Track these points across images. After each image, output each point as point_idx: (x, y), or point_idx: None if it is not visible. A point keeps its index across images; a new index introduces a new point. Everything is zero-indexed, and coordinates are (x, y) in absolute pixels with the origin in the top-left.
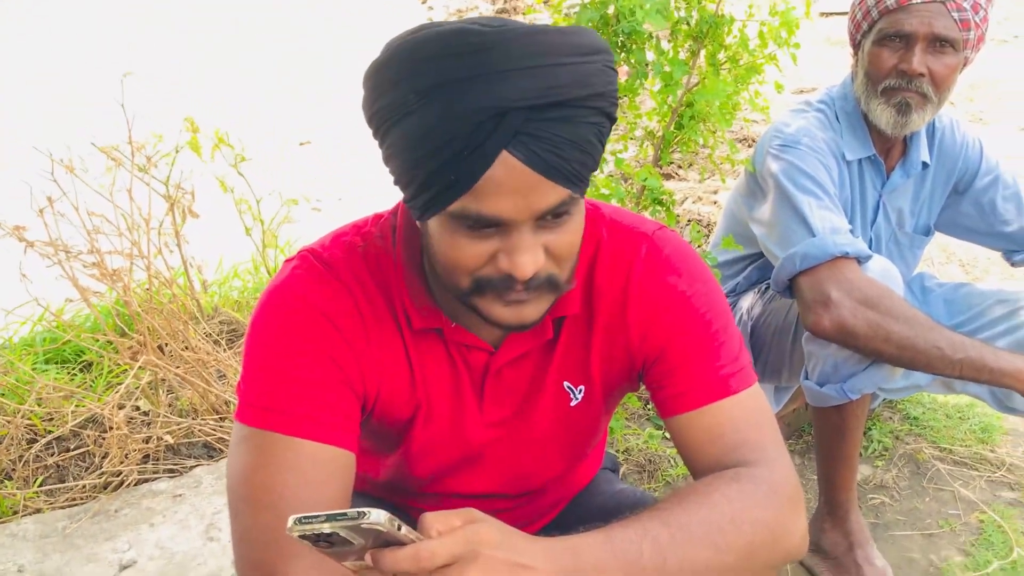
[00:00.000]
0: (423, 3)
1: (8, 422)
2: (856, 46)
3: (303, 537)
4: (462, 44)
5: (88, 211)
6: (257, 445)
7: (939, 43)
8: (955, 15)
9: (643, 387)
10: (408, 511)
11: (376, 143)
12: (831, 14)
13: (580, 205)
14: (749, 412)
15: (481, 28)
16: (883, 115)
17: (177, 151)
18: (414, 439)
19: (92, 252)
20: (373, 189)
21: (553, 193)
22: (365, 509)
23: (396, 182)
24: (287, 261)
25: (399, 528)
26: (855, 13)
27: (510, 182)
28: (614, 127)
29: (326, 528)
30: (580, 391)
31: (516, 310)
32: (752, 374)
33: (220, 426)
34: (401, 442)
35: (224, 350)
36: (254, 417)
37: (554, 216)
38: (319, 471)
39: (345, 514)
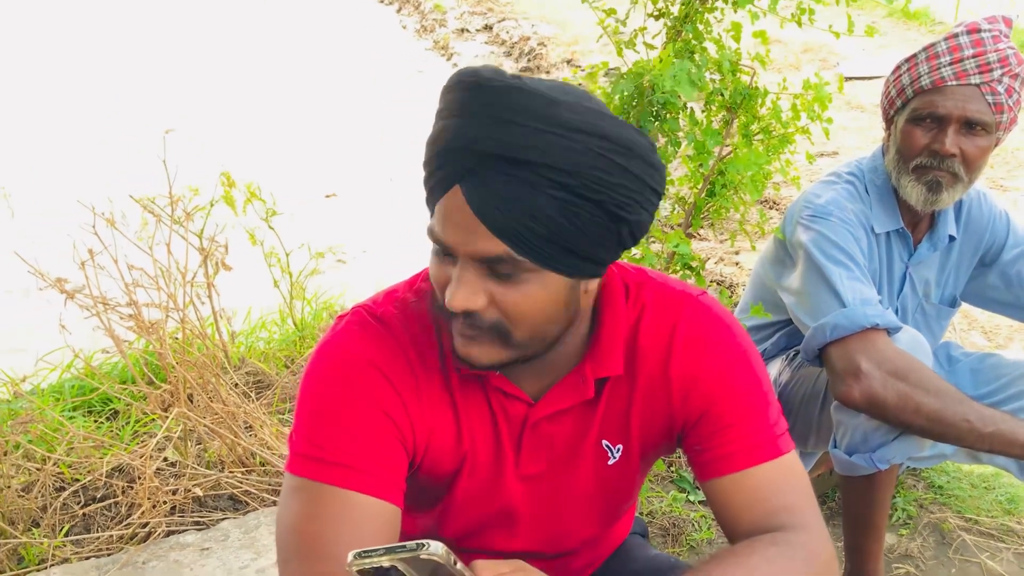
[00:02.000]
0: (448, 60)
1: (38, 469)
2: (889, 121)
3: (361, 572)
4: (464, 83)
5: (128, 264)
6: (308, 496)
7: (972, 125)
8: (989, 98)
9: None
10: None
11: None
12: (853, 79)
13: (539, 273)
14: (789, 476)
15: (488, 75)
16: (914, 192)
17: (212, 204)
18: (458, 491)
19: (130, 304)
20: (396, 241)
21: (490, 242)
22: (424, 541)
23: None
24: (339, 317)
25: (455, 563)
26: (889, 90)
27: (455, 215)
28: None
29: (385, 561)
30: (618, 450)
31: (464, 344)
32: (790, 440)
33: (247, 479)
34: (443, 496)
35: (252, 401)
36: (306, 468)
37: (491, 268)
38: (369, 524)
39: (404, 546)
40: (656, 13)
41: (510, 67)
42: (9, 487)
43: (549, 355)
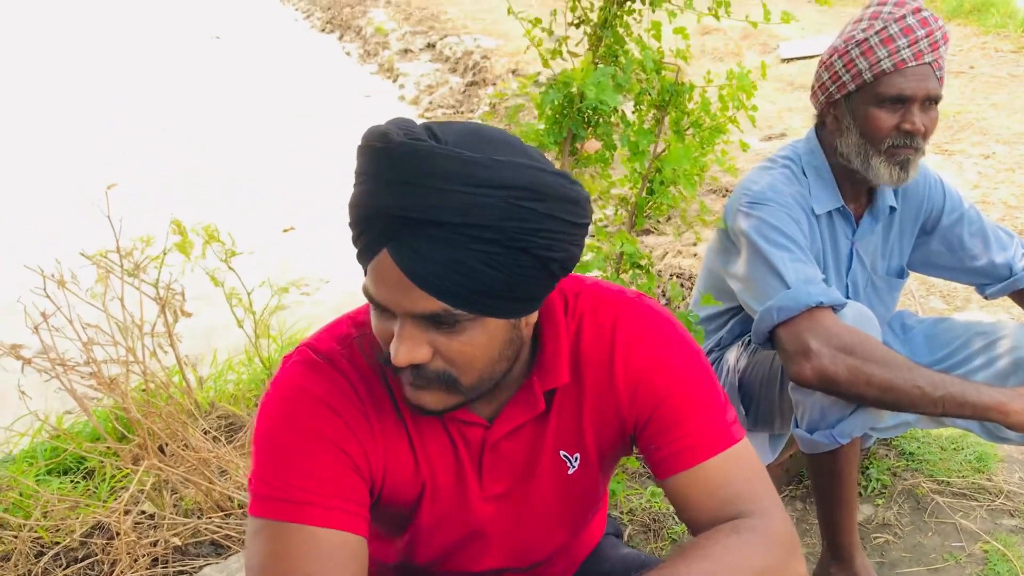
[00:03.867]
0: (394, 82)
1: (15, 537)
2: (832, 104)
3: None
4: (373, 148)
5: (83, 323)
6: (272, 536)
7: (931, 101)
8: (938, 73)
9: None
10: None
11: None
12: (794, 59)
13: (479, 321)
14: (743, 464)
15: (399, 137)
16: (886, 172)
17: (165, 253)
18: (422, 519)
19: (88, 363)
20: (357, 269)
21: (424, 301)
22: None
23: None
24: (286, 357)
25: None
26: (836, 72)
27: (388, 277)
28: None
29: None
30: (576, 459)
31: (415, 393)
32: (740, 428)
33: (225, 523)
34: (409, 523)
35: (224, 445)
36: (266, 509)
37: (434, 323)
38: (334, 557)
39: None
40: (576, 21)
41: (456, 83)
42: None
43: None
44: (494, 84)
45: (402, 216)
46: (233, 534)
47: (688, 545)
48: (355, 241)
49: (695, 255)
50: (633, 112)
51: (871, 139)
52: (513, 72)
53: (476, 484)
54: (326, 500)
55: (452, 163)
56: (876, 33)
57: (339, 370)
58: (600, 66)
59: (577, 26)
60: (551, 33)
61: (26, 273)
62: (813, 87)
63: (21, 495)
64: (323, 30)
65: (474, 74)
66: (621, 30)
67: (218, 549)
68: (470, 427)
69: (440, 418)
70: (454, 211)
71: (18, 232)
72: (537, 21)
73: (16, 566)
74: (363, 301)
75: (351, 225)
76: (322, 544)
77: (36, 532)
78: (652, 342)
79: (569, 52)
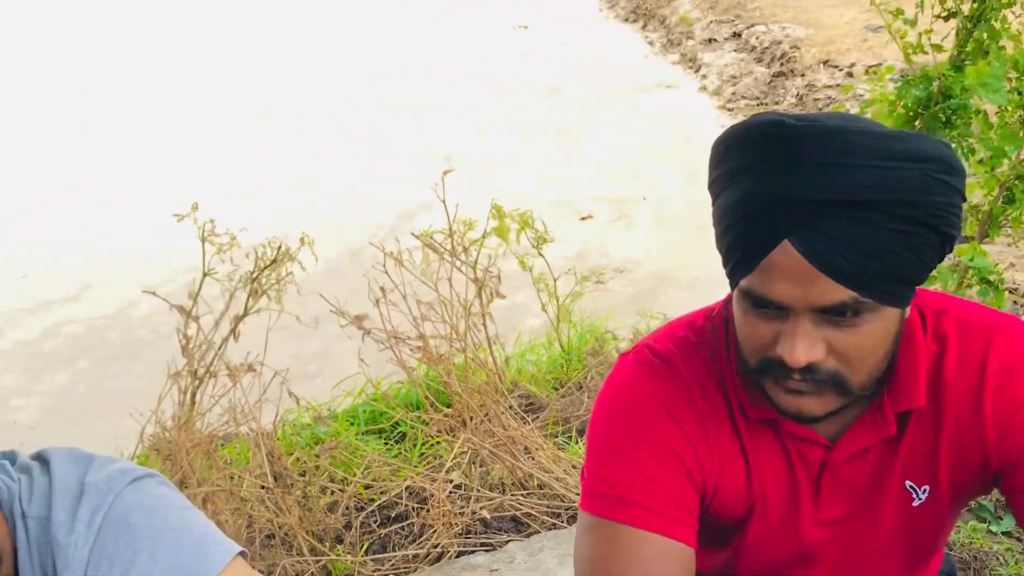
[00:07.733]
0: (696, 72)
1: (341, 490)
2: None
3: None
4: (769, 134)
5: (416, 299)
6: (604, 535)
7: None
8: None
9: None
10: None
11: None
12: None
13: (878, 311)
14: None
15: (794, 122)
16: None
17: (485, 236)
18: (748, 534)
19: (419, 337)
20: (651, 259)
21: (833, 291)
22: None
23: None
24: (623, 355)
25: None
26: None
27: (788, 270)
28: None
29: None
30: (924, 491)
31: (795, 399)
32: None
33: (527, 500)
34: (734, 537)
35: (528, 424)
36: (599, 506)
37: (835, 314)
38: (664, 565)
39: None
40: (945, 13)
41: (762, 73)
42: (317, 506)
43: None
44: (803, 75)
45: (812, 200)
46: (533, 512)
47: None
48: (735, 245)
49: None
50: (996, 113)
51: None
52: (824, 63)
53: (811, 506)
54: (660, 506)
55: (865, 138)
56: None
57: (678, 374)
58: (988, 67)
59: (945, 19)
60: (914, 25)
61: (368, 248)
62: None
63: (345, 452)
64: (626, 20)
65: (781, 64)
66: (996, 23)
67: (518, 526)
68: (809, 445)
69: (777, 433)
70: (871, 188)
71: (357, 209)
72: (900, 12)
73: (340, 516)
74: (659, 294)
75: (729, 227)
76: (653, 550)
77: (356, 488)
78: None
79: (933, 46)
